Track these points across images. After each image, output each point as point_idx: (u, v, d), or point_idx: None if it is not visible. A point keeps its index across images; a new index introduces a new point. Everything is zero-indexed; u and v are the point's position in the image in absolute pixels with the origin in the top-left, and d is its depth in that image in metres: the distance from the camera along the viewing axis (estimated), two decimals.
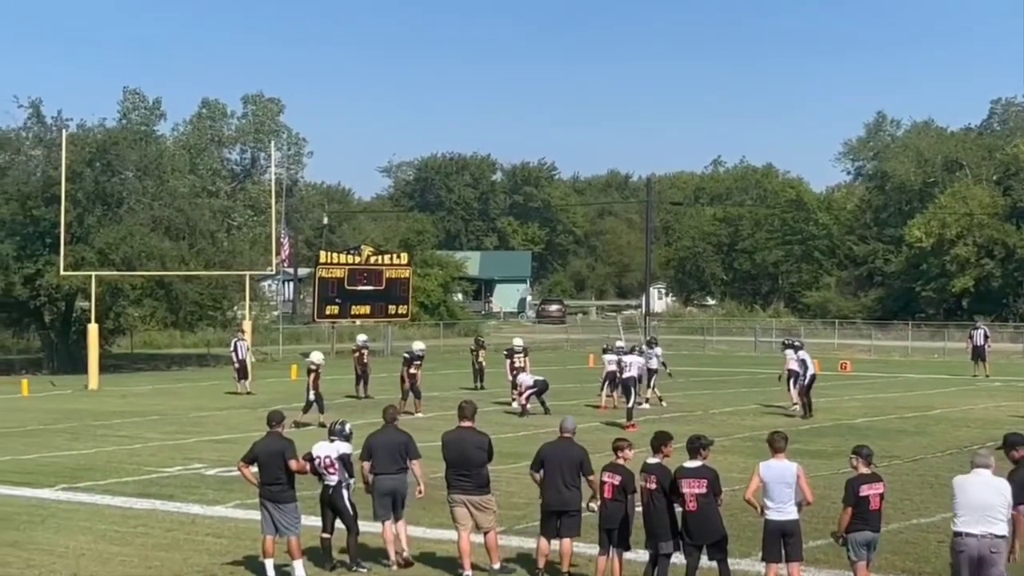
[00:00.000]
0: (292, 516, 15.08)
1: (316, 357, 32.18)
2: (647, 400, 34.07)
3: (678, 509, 13.68)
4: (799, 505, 13.43)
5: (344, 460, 15.56)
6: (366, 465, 15.58)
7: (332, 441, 15.73)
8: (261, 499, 15.17)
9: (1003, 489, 12.45)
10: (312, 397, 31.02)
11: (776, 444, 13.57)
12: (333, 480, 15.54)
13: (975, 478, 12.55)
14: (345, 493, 15.55)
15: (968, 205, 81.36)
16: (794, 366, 33.16)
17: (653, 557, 13.85)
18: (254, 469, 15.24)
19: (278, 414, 15.65)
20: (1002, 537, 12.31)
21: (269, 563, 15.05)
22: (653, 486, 13.65)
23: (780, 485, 13.27)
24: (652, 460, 13.93)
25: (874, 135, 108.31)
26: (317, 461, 15.62)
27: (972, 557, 12.25)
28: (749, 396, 38.62)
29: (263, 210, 71.48)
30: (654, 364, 35.49)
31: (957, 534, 12.39)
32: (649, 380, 35.10)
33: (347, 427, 16.02)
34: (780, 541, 13.29)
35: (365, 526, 15.86)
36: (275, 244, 56.79)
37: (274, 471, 14.99)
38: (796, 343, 35.41)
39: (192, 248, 55.05)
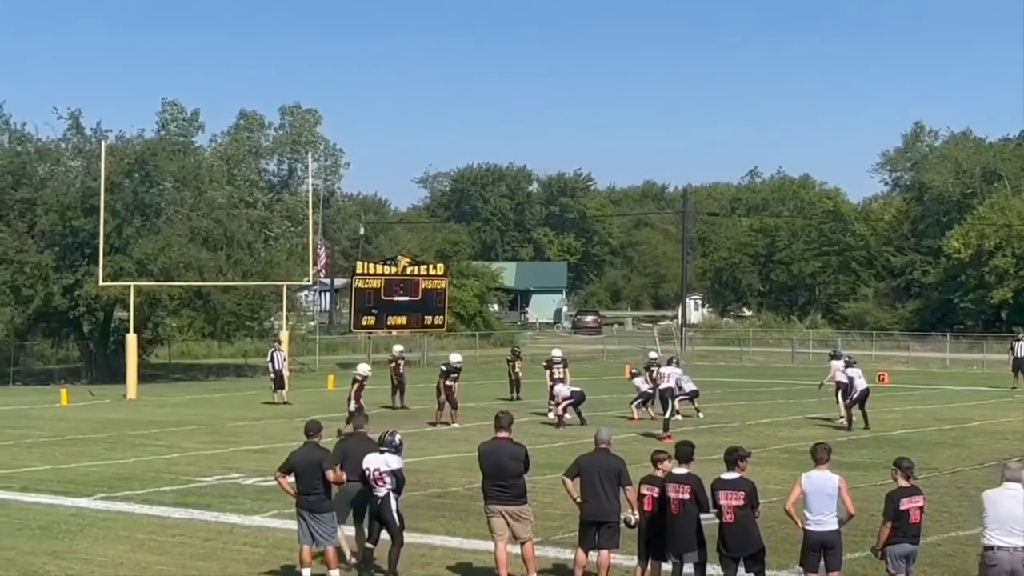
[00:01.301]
0: (328, 526, 15.08)
1: (363, 369, 32.35)
2: (677, 411, 33.91)
3: (713, 520, 13.66)
4: (842, 521, 13.34)
5: (396, 474, 15.53)
6: (342, 474, 15.54)
7: (382, 452, 15.68)
8: (298, 509, 15.17)
9: None
10: (353, 408, 31.08)
11: (819, 455, 13.51)
12: (382, 492, 15.48)
13: (1005, 492, 12.48)
14: (393, 504, 15.49)
15: (1007, 216, 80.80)
16: (842, 377, 33.11)
17: (677, 567, 13.82)
18: (291, 479, 15.27)
19: (316, 424, 15.66)
20: None
21: (306, 572, 15.08)
22: (687, 496, 13.63)
23: (821, 496, 13.20)
24: (680, 470, 13.90)
25: (912, 146, 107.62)
26: (367, 472, 15.59)
27: (1005, 571, 12.20)
28: (786, 407, 38.47)
29: (300, 221, 71.71)
30: (690, 387, 35.20)
31: (988, 548, 12.32)
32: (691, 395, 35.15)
33: (397, 438, 15.83)
34: (820, 553, 13.22)
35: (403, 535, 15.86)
36: (312, 254, 57.01)
37: (311, 481, 15.01)
38: (848, 358, 35.35)
39: (230, 259, 55.35)
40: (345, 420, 30.90)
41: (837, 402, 33.82)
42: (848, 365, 33.54)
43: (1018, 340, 48.59)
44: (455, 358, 35.86)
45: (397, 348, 40.26)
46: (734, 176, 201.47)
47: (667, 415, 30.99)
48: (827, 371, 35.66)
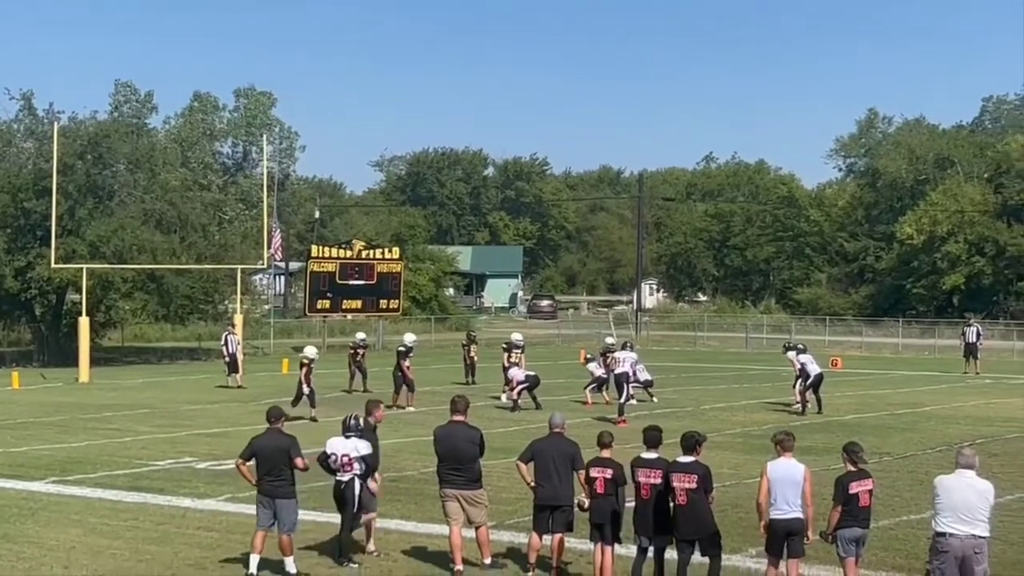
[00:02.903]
0: (292, 512, 14.99)
1: (309, 351, 32.16)
2: (632, 396, 34.02)
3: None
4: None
5: (365, 460, 15.49)
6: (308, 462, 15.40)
7: (348, 438, 15.62)
8: (260, 495, 15.02)
9: (986, 491, 12.39)
10: (305, 391, 30.98)
11: (785, 444, 13.52)
12: (346, 477, 15.49)
13: (959, 480, 12.44)
14: (357, 489, 15.48)
15: (959, 202, 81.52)
16: (799, 366, 33.38)
17: (643, 552, 13.85)
18: (250, 464, 15.20)
19: (277, 410, 15.52)
20: (984, 538, 12.28)
21: (255, 559, 14.89)
22: (657, 480, 13.66)
23: (787, 484, 13.21)
24: (649, 455, 13.92)
25: (866, 132, 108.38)
26: (333, 458, 15.55)
27: (956, 557, 12.21)
28: (740, 392, 38.68)
29: (255, 204, 71.34)
30: (644, 377, 35.33)
31: (940, 534, 12.30)
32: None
33: (361, 422, 15.85)
34: (784, 539, 13.28)
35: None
36: (266, 237, 56.74)
37: (278, 467, 14.86)
38: (800, 345, 35.68)
39: (183, 241, 54.98)
40: (292, 402, 30.84)
41: (793, 387, 34.07)
42: (800, 352, 33.76)
43: (969, 326, 49.05)
44: (409, 338, 35.82)
45: (359, 336, 40.07)
46: (690, 161, 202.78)
47: (622, 400, 31.07)
48: (786, 363, 35.79)
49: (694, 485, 13.39)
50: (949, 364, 49.92)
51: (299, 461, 14.91)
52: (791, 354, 34.37)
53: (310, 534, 17.04)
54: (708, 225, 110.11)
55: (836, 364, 48.08)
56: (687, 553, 13.55)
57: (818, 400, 32.70)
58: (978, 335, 48.30)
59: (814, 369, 32.88)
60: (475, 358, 41.73)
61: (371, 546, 15.99)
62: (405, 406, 33.19)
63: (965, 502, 12.27)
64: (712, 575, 13.53)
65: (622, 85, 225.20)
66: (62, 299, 56.12)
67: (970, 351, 47.96)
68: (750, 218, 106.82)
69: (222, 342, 42.87)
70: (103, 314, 54.98)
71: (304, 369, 31.31)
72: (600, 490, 14.20)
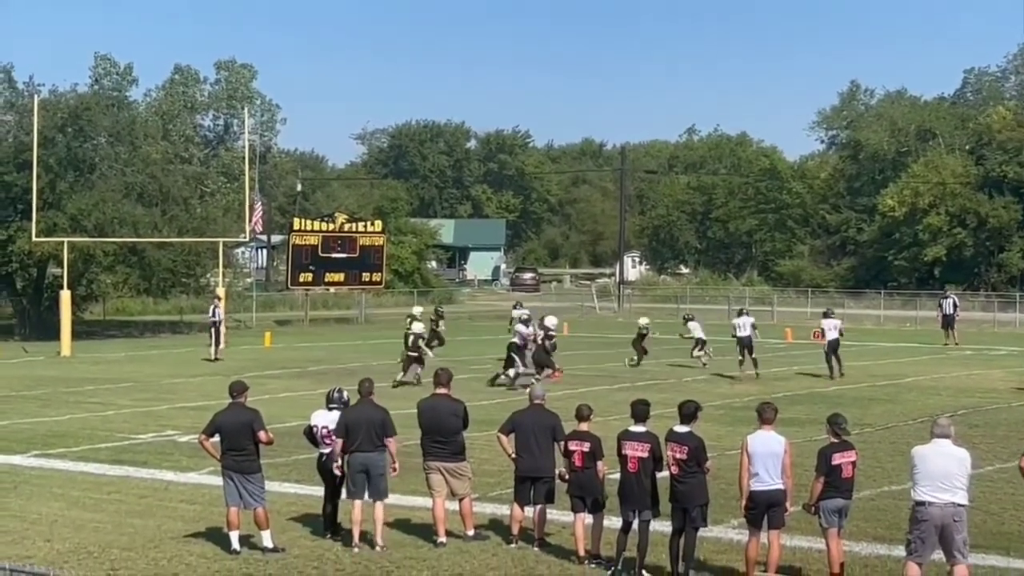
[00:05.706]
0: (259, 486, 14.97)
1: (417, 327, 33.10)
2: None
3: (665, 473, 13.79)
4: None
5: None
6: (339, 442, 15.12)
7: (331, 410, 15.61)
8: (225, 470, 14.97)
9: (963, 458, 12.48)
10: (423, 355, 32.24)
11: (766, 415, 13.53)
12: (327, 449, 15.48)
13: (935, 448, 12.53)
14: (339, 461, 15.48)
15: (941, 174, 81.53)
16: (743, 332, 35.71)
17: (628, 523, 13.86)
18: (215, 440, 15.12)
19: (240, 384, 15.44)
20: (963, 506, 12.35)
21: (234, 535, 14.89)
22: (645, 454, 13.68)
23: (768, 456, 13.24)
24: (637, 428, 13.90)
25: (848, 104, 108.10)
26: (315, 430, 15.57)
27: (936, 526, 12.28)
28: (722, 364, 38.69)
29: (236, 177, 71.14)
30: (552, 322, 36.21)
31: (920, 503, 12.37)
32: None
33: (345, 394, 15.83)
34: (765, 510, 13.30)
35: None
36: (248, 209, 56.58)
37: (241, 441, 14.86)
38: (827, 309, 38.56)
39: (165, 215, 54.79)
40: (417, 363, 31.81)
41: (741, 359, 35.62)
42: (826, 316, 36.47)
43: (946, 298, 49.21)
44: (551, 321, 35.76)
45: (417, 310, 39.25)
46: (672, 134, 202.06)
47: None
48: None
49: (685, 456, 13.42)
50: (930, 336, 50.03)
51: (262, 435, 14.91)
52: (741, 319, 36.12)
53: (292, 507, 17.08)
54: (690, 197, 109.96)
55: (818, 336, 48.07)
56: (679, 521, 13.52)
57: (832, 366, 34.87)
58: (955, 306, 48.47)
59: (832, 335, 35.07)
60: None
61: (379, 539, 15.08)
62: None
63: (943, 470, 12.34)
64: (688, 546, 13.55)
65: (604, 58, 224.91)
66: (43, 273, 55.91)
67: (948, 322, 48.13)
68: (732, 190, 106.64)
69: (210, 313, 42.59)
70: (84, 288, 54.79)
71: (413, 338, 32.40)
72: (578, 463, 14.26)
